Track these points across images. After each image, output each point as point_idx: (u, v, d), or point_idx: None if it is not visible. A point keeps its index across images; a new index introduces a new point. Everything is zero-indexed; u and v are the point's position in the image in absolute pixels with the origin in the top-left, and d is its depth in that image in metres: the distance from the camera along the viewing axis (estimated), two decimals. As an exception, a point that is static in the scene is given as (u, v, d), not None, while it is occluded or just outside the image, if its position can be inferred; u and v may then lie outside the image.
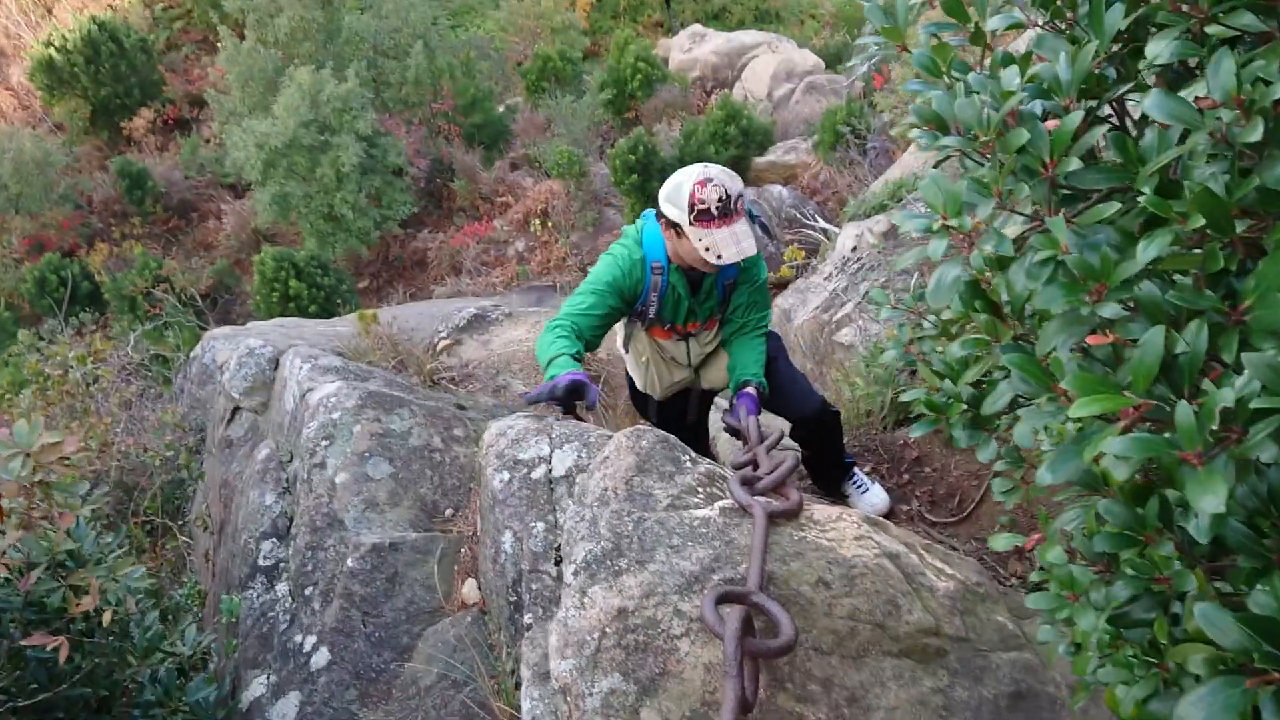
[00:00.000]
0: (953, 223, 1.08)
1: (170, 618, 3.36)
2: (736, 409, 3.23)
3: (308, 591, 2.88)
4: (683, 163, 12.85)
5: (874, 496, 3.78)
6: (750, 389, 3.32)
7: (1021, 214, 1.13)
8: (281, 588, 3.02)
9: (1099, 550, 1.12)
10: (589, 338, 3.26)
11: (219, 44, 16.72)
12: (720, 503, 2.27)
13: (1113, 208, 1.04)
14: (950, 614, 2.11)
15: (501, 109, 18.67)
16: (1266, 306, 0.91)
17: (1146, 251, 0.97)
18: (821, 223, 9.54)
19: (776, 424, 3.39)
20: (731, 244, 3.01)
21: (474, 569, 2.88)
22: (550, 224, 15.13)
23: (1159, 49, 1.08)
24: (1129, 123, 1.35)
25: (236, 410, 4.88)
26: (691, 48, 19.10)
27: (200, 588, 4.32)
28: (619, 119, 17.27)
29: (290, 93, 14.24)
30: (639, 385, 3.82)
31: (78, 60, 18.91)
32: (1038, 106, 1.25)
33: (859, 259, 6.18)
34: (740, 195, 3.06)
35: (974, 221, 1.08)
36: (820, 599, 2.02)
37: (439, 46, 17.75)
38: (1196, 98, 0.96)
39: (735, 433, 3.20)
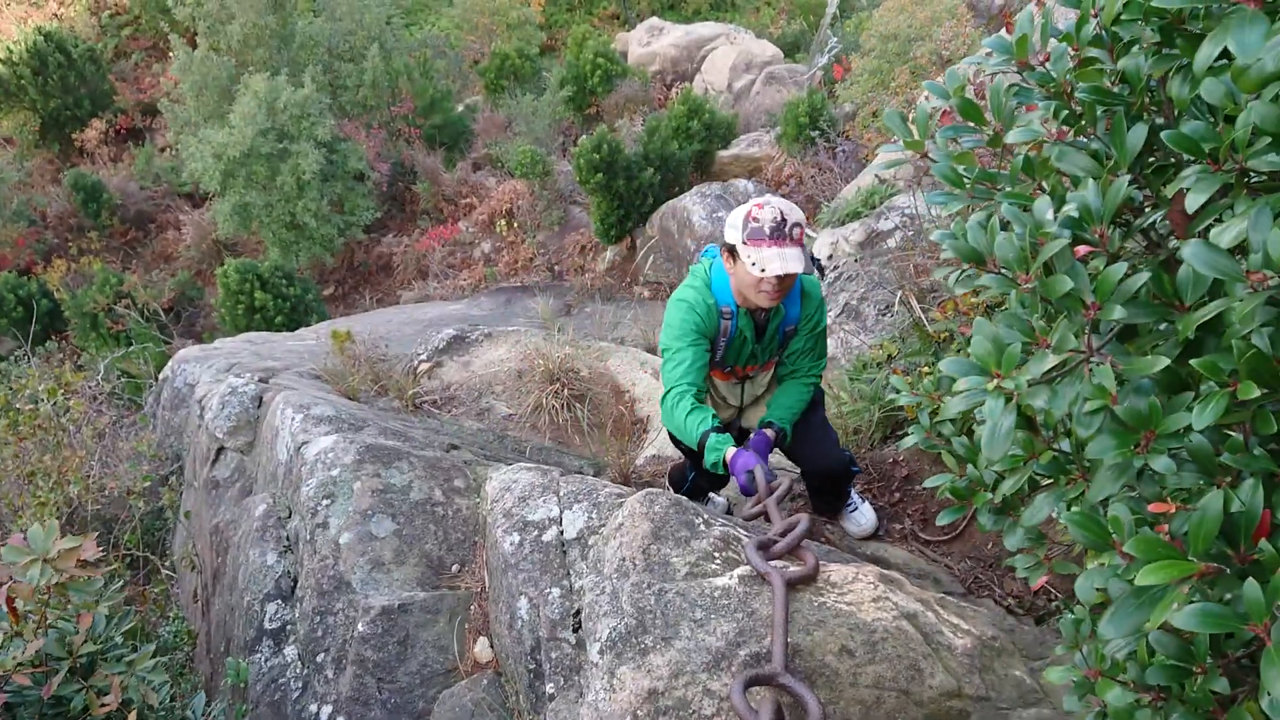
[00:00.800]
0: (1007, 384, 1.11)
1: (180, 680, 3.34)
2: (742, 450, 3.18)
3: (319, 658, 2.88)
4: (647, 160, 12.89)
5: (862, 516, 3.85)
6: (769, 431, 3.33)
7: (1074, 352, 1.15)
8: (290, 651, 3.01)
9: (1151, 681, 1.15)
10: (702, 388, 3.31)
11: (170, 52, 16.45)
12: (738, 570, 2.30)
13: (1161, 362, 1.06)
14: (970, 672, 2.15)
15: (461, 109, 18.54)
16: (1322, 476, 0.95)
17: (1202, 417, 1.00)
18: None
19: (786, 465, 3.49)
20: (778, 260, 2.98)
21: (485, 626, 2.89)
22: (516, 224, 15.08)
23: (1194, 200, 1.11)
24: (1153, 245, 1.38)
25: (221, 450, 4.85)
26: (650, 41, 19.06)
27: (190, 628, 4.30)
28: (580, 116, 17.22)
29: (246, 100, 14.05)
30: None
31: (24, 72, 18.52)
32: (1066, 239, 1.27)
33: (835, 268, 6.23)
34: (798, 225, 3.04)
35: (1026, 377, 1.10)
36: (845, 669, 2.06)
37: (395, 48, 17.57)
38: (1248, 271, 0.99)
39: (748, 492, 3.13)
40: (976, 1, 11.49)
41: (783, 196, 11.93)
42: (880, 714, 2.01)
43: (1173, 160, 1.35)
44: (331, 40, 16.78)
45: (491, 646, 2.80)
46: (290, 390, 4.51)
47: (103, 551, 2.12)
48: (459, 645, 2.86)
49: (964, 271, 1.26)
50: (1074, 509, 1.11)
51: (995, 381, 1.12)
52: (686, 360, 3.26)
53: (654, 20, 20.06)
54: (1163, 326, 1.22)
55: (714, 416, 3.19)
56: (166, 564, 5.39)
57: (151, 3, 21.26)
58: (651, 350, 7.55)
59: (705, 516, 2.52)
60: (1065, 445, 1.39)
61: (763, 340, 3.43)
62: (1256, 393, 0.97)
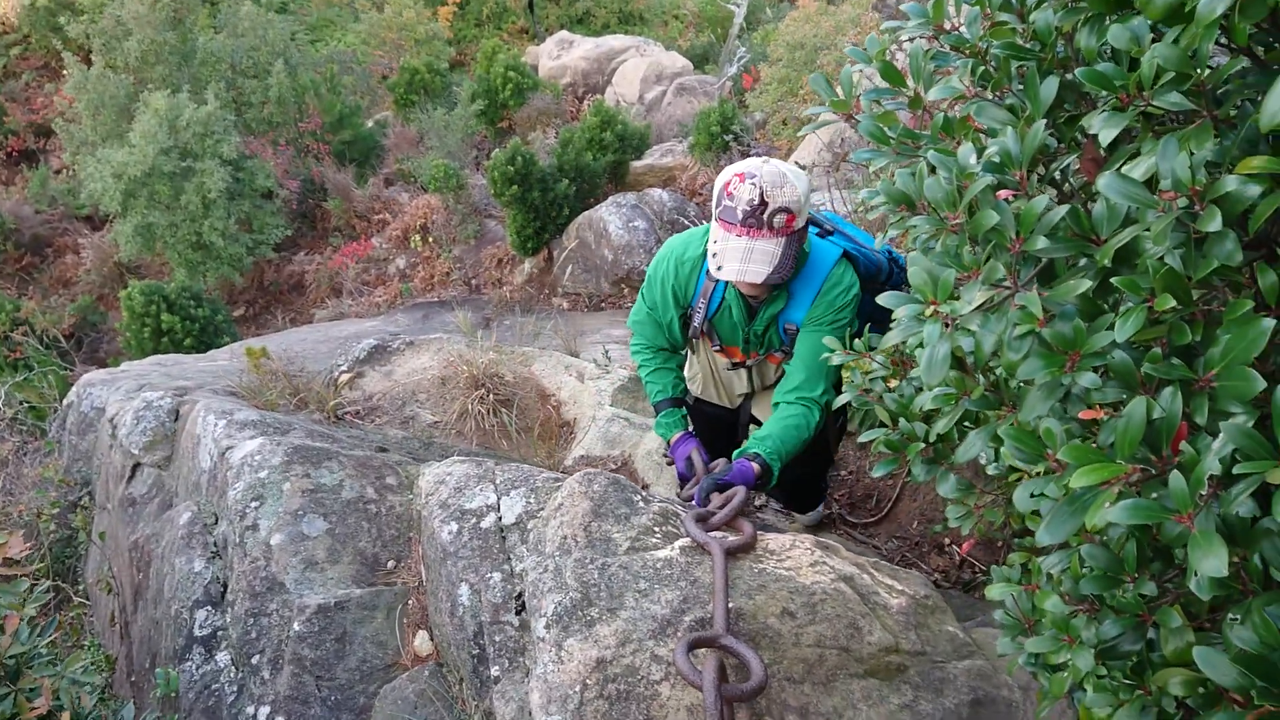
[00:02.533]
0: (944, 309, 1.17)
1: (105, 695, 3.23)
2: (688, 437, 3.05)
3: (255, 660, 2.82)
4: (561, 171, 12.90)
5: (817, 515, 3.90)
6: (754, 465, 2.76)
7: (1003, 286, 1.21)
8: (223, 657, 2.94)
9: (1084, 592, 1.22)
10: (676, 343, 3.06)
11: (64, 71, 15.91)
12: (679, 541, 2.33)
13: (1084, 284, 1.13)
14: (906, 629, 2.22)
15: (371, 124, 18.31)
16: (1233, 378, 1.02)
17: (1123, 329, 1.06)
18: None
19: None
20: (736, 259, 2.51)
21: (424, 621, 2.87)
22: (431, 239, 14.93)
23: (1106, 134, 1.19)
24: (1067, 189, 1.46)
25: (137, 467, 4.71)
26: (560, 54, 19.12)
27: (108, 653, 4.16)
28: (493, 129, 17.17)
29: (146, 119, 13.66)
30: (690, 389, 3.45)
31: (-95, 94, 17.72)
32: (988, 179, 1.34)
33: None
34: (784, 211, 2.49)
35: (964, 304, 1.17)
36: (787, 629, 2.11)
37: (300, 63, 17.27)
38: (1160, 192, 1.06)
39: (685, 479, 2.98)
40: (883, 6, 11.83)
41: (698, 205, 11.93)
42: (822, 671, 2.06)
43: (1083, 110, 1.43)
44: (234, 56, 16.41)
45: (432, 639, 2.78)
46: (210, 399, 4.41)
47: (30, 547, 2.06)
48: (398, 640, 2.83)
49: (900, 217, 1.33)
50: (1008, 427, 1.17)
51: (932, 308, 1.19)
52: (643, 316, 3.09)
53: (563, 34, 20.13)
54: (1082, 263, 1.29)
55: (675, 384, 3.01)
56: (79, 590, 5.22)
57: (42, 21, 20.52)
58: (574, 354, 7.56)
59: (644, 495, 2.55)
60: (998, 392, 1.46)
61: (754, 323, 2.94)
62: (1171, 303, 1.05)
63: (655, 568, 2.22)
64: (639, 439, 5.01)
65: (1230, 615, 1.13)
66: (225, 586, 3.14)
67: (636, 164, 14.42)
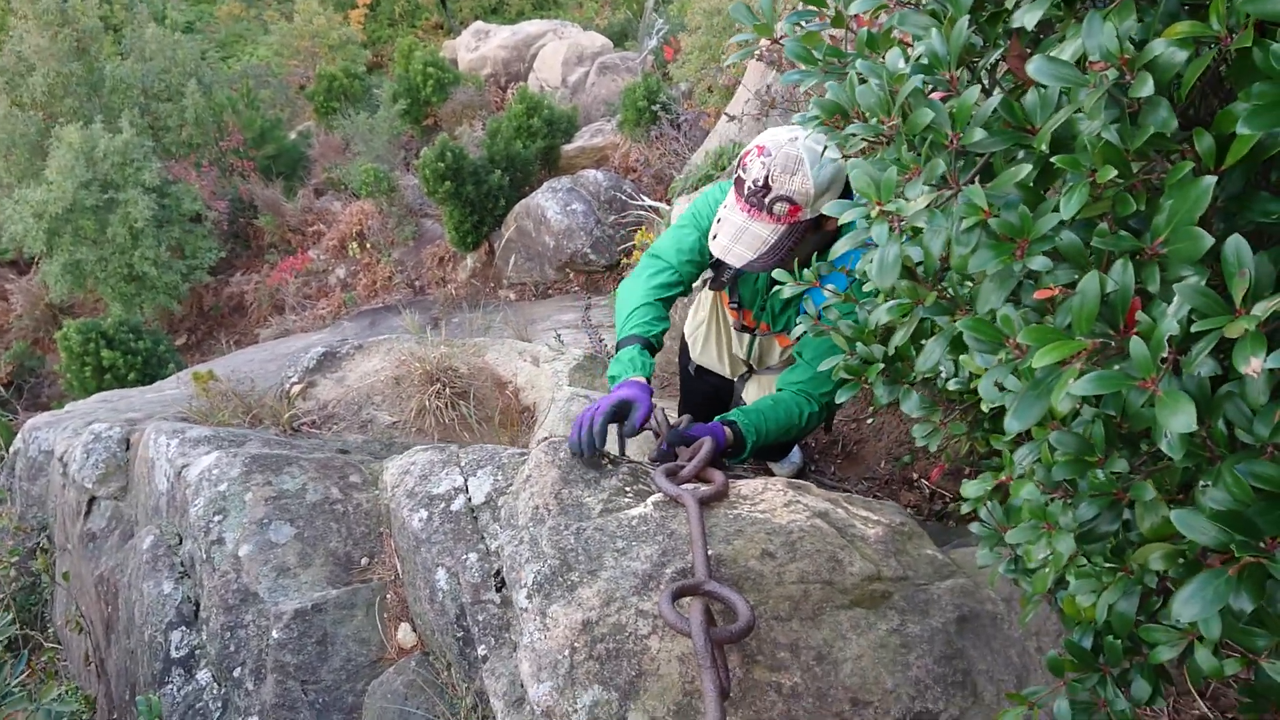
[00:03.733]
0: (890, 207, 1.16)
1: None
2: (640, 386, 2.61)
3: (236, 673, 2.77)
4: (493, 162, 12.79)
5: (793, 456, 3.88)
6: (728, 430, 2.62)
7: (946, 186, 1.21)
8: (203, 675, 2.88)
9: (1058, 479, 1.22)
10: (687, 282, 2.79)
11: (-32, 114, 15.42)
12: (652, 498, 2.32)
13: (1025, 169, 1.13)
14: (886, 556, 2.23)
15: (294, 136, 18.03)
16: (1181, 239, 1.02)
17: (1068, 206, 1.06)
18: (648, 200, 9.68)
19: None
20: (729, 235, 2.45)
21: (404, 613, 2.83)
22: (369, 245, 14.76)
23: (1030, 18, 1.18)
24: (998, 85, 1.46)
25: (93, 501, 4.60)
26: (478, 45, 18.93)
27: (87, 694, 4.07)
28: (419, 128, 16.98)
29: (61, 154, 13.30)
30: (690, 351, 3.35)
31: None
32: (919, 81, 1.34)
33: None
34: (785, 200, 2.38)
35: (909, 203, 1.16)
36: (769, 570, 2.10)
37: (214, 82, 16.94)
38: (1090, 63, 1.06)
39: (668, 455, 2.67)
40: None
41: (633, 182, 11.89)
42: (808, 606, 2.06)
43: (1006, 8, 1.43)
44: (145, 81, 16.03)
45: (414, 629, 2.75)
46: (161, 422, 4.31)
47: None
48: (381, 635, 2.79)
49: (846, 134, 1.31)
50: (965, 320, 1.17)
51: (878, 209, 1.18)
52: (686, 242, 2.78)
53: (479, 24, 19.92)
54: (1020, 155, 1.29)
55: (655, 322, 2.67)
56: (49, 634, 5.11)
57: (-62, 65, 19.91)
58: (527, 341, 7.52)
59: (611, 457, 2.53)
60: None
61: (772, 291, 2.79)
62: (1113, 173, 1.05)
63: (631, 526, 2.21)
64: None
65: (1201, 483, 1.14)
66: (197, 605, 3.08)
67: (567, 147, 14.34)
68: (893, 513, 2.45)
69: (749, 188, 2.42)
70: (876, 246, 1.21)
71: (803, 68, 1.49)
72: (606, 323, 8.80)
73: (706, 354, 3.30)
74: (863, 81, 1.31)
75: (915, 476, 3.92)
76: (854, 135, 1.27)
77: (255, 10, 24.05)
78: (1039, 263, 1.12)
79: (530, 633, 2.03)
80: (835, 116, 1.30)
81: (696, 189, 6.79)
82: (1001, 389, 1.16)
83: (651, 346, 2.72)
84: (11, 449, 6.65)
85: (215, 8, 24.04)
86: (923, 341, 1.66)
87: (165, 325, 14.92)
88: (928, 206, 1.15)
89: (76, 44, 15.41)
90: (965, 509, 1.78)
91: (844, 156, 1.33)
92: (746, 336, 3.12)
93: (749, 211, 2.44)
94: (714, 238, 2.51)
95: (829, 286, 1.84)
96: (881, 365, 1.72)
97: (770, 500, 2.32)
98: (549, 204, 12.00)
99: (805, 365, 2.72)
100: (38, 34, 15.01)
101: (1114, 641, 1.47)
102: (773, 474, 3.90)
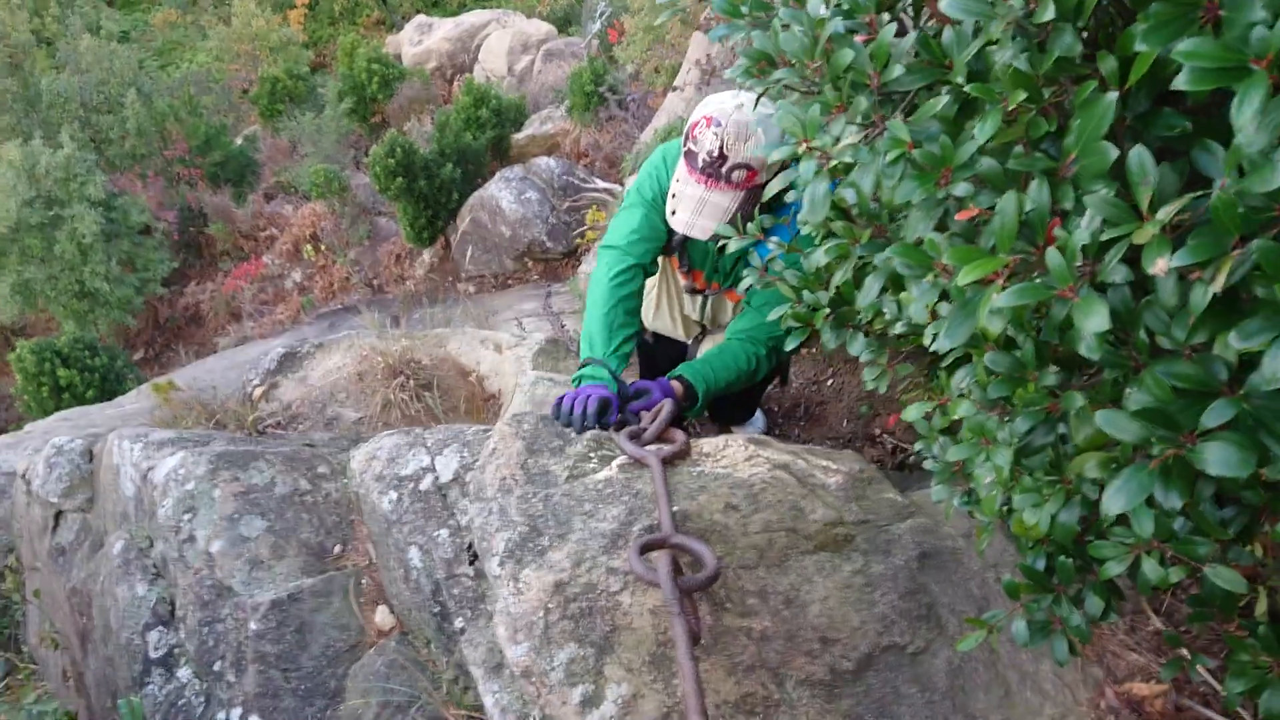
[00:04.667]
0: (816, 144, 1.20)
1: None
2: (644, 385, 2.68)
3: (216, 667, 2.78)
4: (443, 156, 12.72)
5: (756, 420, 3.92)
6: (677, 385, 2.66)
7: (857, 124, 1.26)
8: (184, 672, 2.89)
9: (994, 397, 1.28)
10: (642, 264, 2.76)
11: (-97, 137, 15.11)
12: (616, 461, 2.36)
13: (942, 101, 1.18)
14: (846, 502, 2.29)
15: (240, 141, 17.79)
16: (1090, 155, 1.08)
17: (983, 131, 1.12)
18: (601, 183, 9.69)
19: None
20: (690, 209, 2.44)
21: (381, 596, 2.86)
22: (324, 247, 14.63)
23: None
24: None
25: (60, 515, 4.57)
26: (421, 39, 18.79)
27: (68, 710, 4.06)
28: (366, 126, 16.84)
29: (2, 172, 13.06)
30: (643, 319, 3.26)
31: None
32: (841, 26, 1.38)
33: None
34: (742, 167, 2.39)
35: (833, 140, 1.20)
36: (734, 522, 2.16)
37: (154, 90, 16.67)
38: (995, -5, 1.11)
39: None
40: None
41: (585, 166, 11.90)
42: (774, 553, 2.12)
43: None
44: (83, 93, 15.76)
45: (392, 611, 2.78)
46: (123, 428, 4.29)
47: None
48: (359, 619, 2.82)
49: (773, 80, 1.36)
50: (895, 247, 1.22)
51: (804, 146, 1.22)
52: (633, 222, 2.74)
53: (421, 18, 19.77)
54: (943, 91, 1.34)
55: (619, 335, 2.66)
56: (24, 655, 5.07)
57: None
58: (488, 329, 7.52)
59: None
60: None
61: (724, 255, 2.84)
62: (1023, 95, 1.10)
63: (597, 489, 2.25)
64: (566, 394, 5.02)
65: (1126, 390, 1.20)
66: (173, 604, 3.08)
67: (518, 136, 14.29)
68: (852, 460, 2.51)
69: (703, 160, 2.41)
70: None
71: (730, 21, 1.54)
72: (568, 309, 8.83)
73: (660, 320, 3.32)
74: (786, 28, 1.35)
75: (878, 432, 4.00)
76: (780, 81, 1.32)
77: (192, 16, 23.69)
78: (961, 189, 1.17)
79: (505, 598, 2.07)
80: (762, 64, 1.35)
81: (647, 167, 6.81)
82: (935, 316, 1.21)
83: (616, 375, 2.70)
84: (-30, 473, 6.56)
85: (150, 15, 23.64)
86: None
87: (121, 340, 14.73)
88: (854, 144, 1.20)
89: (9, 59, 15.14)
90: (917, 447, 1.84)
91: (772, 102, 1.37)
92: (699, 298, 3.14)
93: (706, 183, 2.43)
94: (673, 214, 2.50)
95: (773, 239, 1.88)
96: (827, 310, 1.77)
97: (732, 456, 2.37)
98: (503, 194, 11.96)
99: (752, 312, 2.74)
100: (-33, 53, 14.74)
101: (1065, 561, 1.54)
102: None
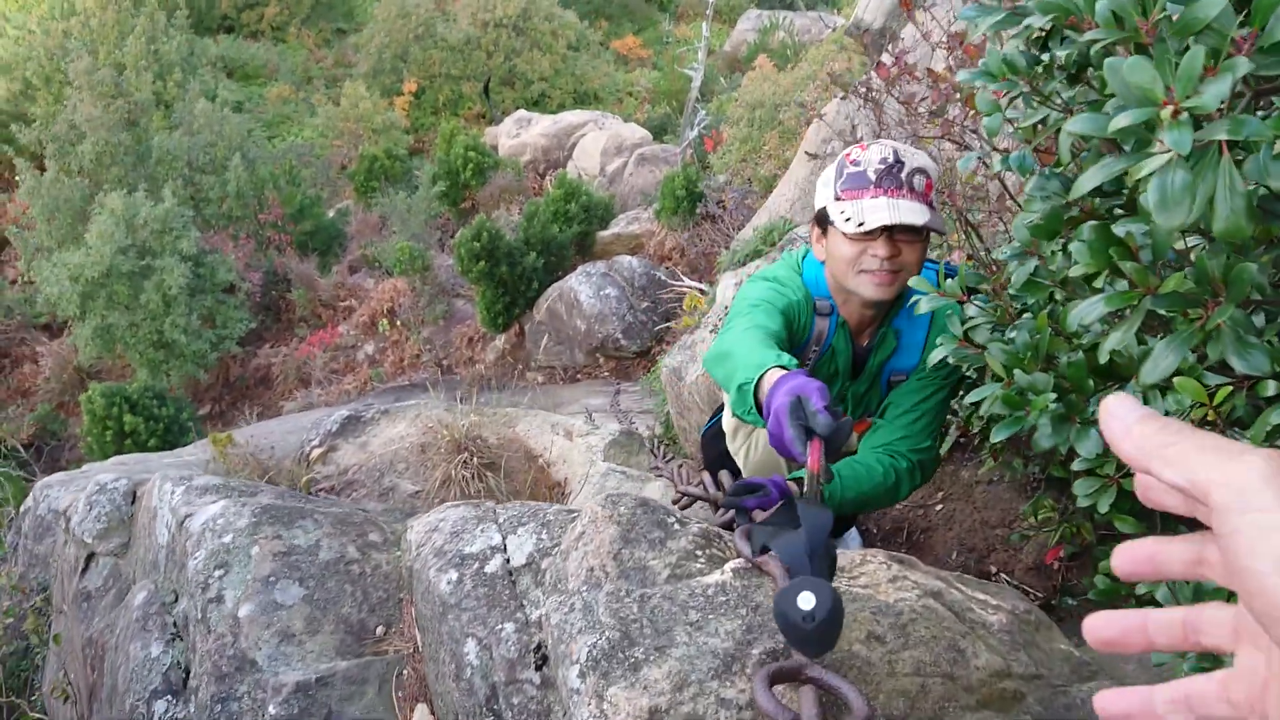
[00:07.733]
0: (1191, 103, 0.81)
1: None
2: (758, 481, 2.09)
3: (223, 755, 2.37)
4: (528, 244, 12.65)
5: (850, 539, 3.49)
6: (793, 486, 2.08)
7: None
8: (186, 756, 2.49)
9: None
10: (783, 335, 2.21)
11: (16, 178, 15.60)
12: (729, 564, 1.94)
13: None
14: (1013, 649, 1.83)
15: (332, 213, 18.11)
16: None
17: None
18: (688, 281, 9.46)
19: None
20: (883, 210, 2.04)
21: (423, 691, 2.43)
22: (399, 322, 14.61)
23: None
24: None
25: (91, 557, 4.25)
26: (519, 133, 19.09)
27: (67, 773, 3.67)
28: (455, 210, 17.00)
29: (103, 219, 13.33)
30: (731, 450, 2.76)
31: None
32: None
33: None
34: (922, 172, 2.07)
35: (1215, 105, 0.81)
36: (878, 657, 1.71)
37: (258, 157, 17.12)
38: None
39: (778, 441, 1.88)
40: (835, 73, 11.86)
41: (668, 269, 11.83)
42: (928, 704, 1.67)
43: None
44: (191, 153, 16.20)
45: (433, 711, 2.35)
46: (169, 470, 3.99)
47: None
48: (395, 716, 2.40)
49: (1087, 39, 0.99)
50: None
51: (1169, 109, 0.84)
52: (761, 294, 2.25)
53: (521, 113, 20.14)
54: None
55: (776, 349, 2.04)
56: (34, 702, 4.73)
57: (-10, 132, 20.28)
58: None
59: (679, 516, 2.16)
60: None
61: (858, 380, 2.42)
62: None
63: (706, 595, 1.83)
64: (639, 491, 4.62)
65: None
66: (188, 672, 2.69)
67: (603, 234, 14.25)
68: (1014, 598, 2.05)
69: (877, 170, 2.06)
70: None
71: (982, 3, 1.18)
72: (636, 408, 8.48)
73: (763, 465, 2.68)
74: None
75: (994, 570, 3.51)
76: (1097, 40, 0.95)
77: (304, 93, 24.54)
78: None
79: (584, 719, 1.64)
80: (1070, 19, 0.98)
81: (744, 264, 6.53)
82: None
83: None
84: (21, 507, 6.36)
85: (265, 89, 24.56)
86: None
87: (190, 394, 14.75)
88: (1241, 115, 0.81)
89: (127, 115, 15.63)
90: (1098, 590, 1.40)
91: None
92: None
93: (886, 193, 2.06)
94: (859, 225, 2.07)
95: (977, 300, 1.49)
96: (1054, 397, 1.36)
97: (873, 574, 1.93)
98: (582, 287, 11.79)
99: (890, 425, 2.33)
100: (91, 104, 15.24)
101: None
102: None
